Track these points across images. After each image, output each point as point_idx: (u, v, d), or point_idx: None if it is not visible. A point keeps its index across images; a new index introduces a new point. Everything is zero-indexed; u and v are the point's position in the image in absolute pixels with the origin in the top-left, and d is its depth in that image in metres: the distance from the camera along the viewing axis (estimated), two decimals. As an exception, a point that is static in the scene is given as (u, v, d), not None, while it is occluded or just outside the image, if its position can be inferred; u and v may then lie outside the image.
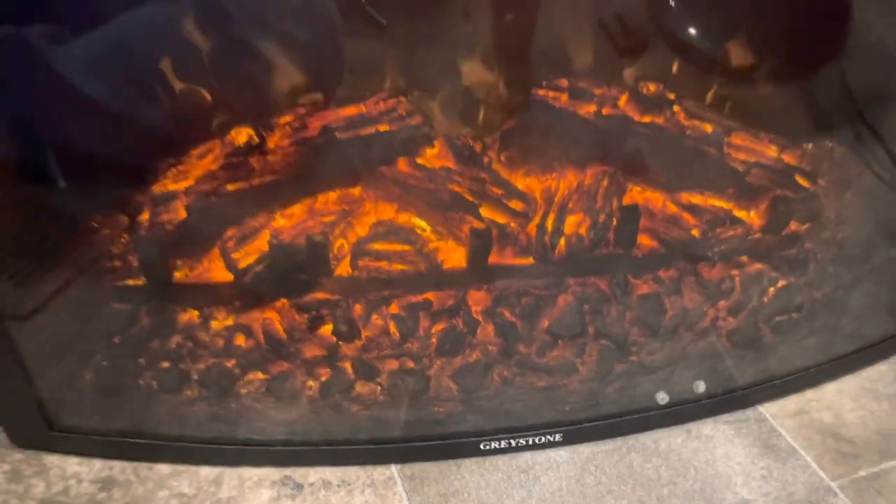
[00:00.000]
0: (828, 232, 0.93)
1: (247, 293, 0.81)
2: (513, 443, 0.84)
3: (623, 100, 0.84)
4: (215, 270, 0.80)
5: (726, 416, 0.91)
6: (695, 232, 0.87)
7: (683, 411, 0.90)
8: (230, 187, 0.78)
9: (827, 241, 0.93)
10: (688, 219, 0.87)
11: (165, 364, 0.81)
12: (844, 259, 0.94)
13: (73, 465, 0.81)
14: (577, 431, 0.87)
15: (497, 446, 0.84)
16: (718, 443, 0.88)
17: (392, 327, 0.82)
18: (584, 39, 0.83)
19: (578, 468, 0.84)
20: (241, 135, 0.78)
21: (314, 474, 0.82)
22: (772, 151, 0.88)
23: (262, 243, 0.79)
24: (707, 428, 0.90)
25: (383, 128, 0.80)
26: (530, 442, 0.85)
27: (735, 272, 0.90)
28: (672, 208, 0.88)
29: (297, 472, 0.82)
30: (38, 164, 0.72)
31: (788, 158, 0.89)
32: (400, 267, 0.82)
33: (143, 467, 0.81)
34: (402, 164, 0.82)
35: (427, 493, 0.80)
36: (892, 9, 0.83)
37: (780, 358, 0.93)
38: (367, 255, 0.81)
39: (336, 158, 0.81)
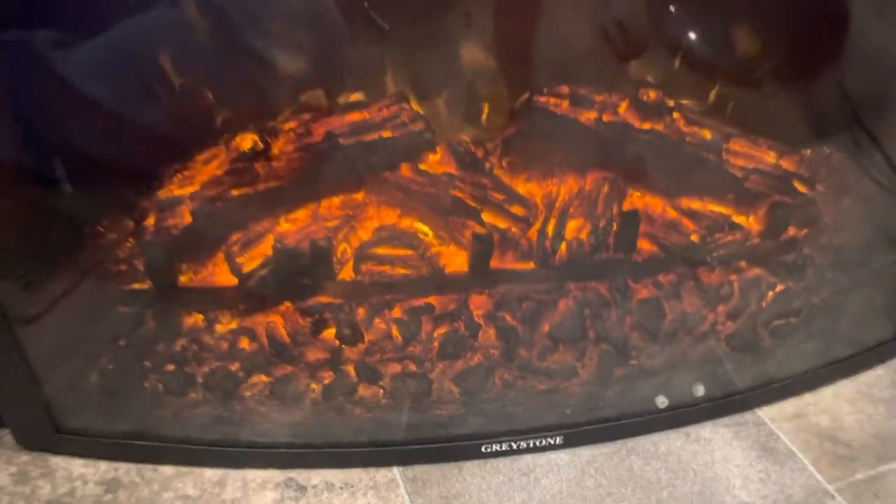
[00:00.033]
0: (826, 237, 0.93)
1: (251, 297, 0.81)
2: (514, 445, 0.85)
3: (623, 107, 0.85)
4: (220, 274, 0.81)
5: (725, 420, 0.92)
6: (694, 237, 0.88)
7: (683, 415, 0.91)
8: (235, 192, 0.79)
9: (825, 246, 0.93)
10: (687, 224, 0.88)
11: (170, 367, 0.82)
12: (842, 264, 0.95)
13: (78, 466, 0.82)
14: (578, 434, 0.87)
15: (498, 449, 0.85)
16: (717, 446, 0.88)
17: (394, 331, 0.83)
18: (585, 46, 0.84)
19: (579, 471, 0.85)
20: (246, 141, 0.79)
21: (317, 476, 0.82)
22: (770, 157, 0.88)
23: (266, 248, 0.80)
24: (706, 431, 0.90)
25: (386, 134, 0.81)
26: (531, 445, 0.86)
27: (734, 277, 0.90)
28: (672, 214, 0.88)
29: (300, 475, 0.82)
30: (46, 169, 0.73)
31: (787, 164, 0.89)
32: (402, 271, 0.83)
33: (148, 469, 0.82)
34: (405, 170, 0.83)
35: (429, 495, 0.81)
36: (890, 14, 0.84)
37: (778, 362, 0.94)
38: (369, 259, 0.82)
39: (339, 164, 0.81)
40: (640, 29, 0.83)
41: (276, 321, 0.82)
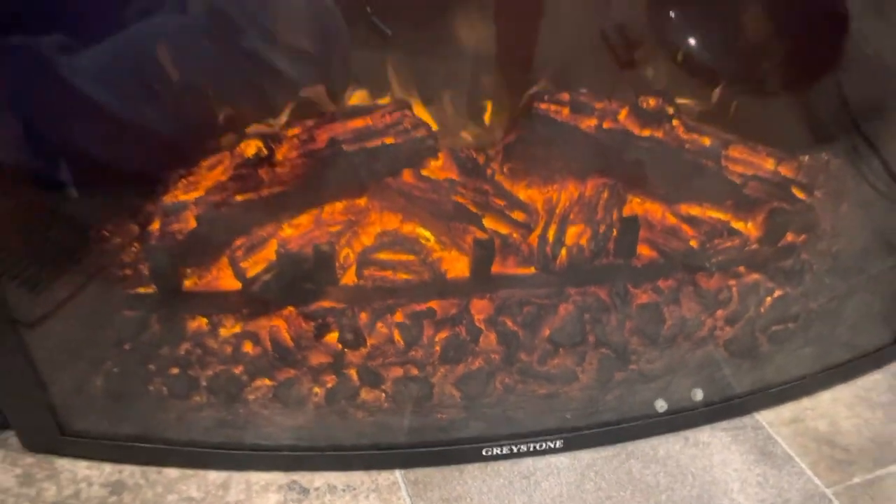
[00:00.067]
0: (824, 243, 0.94)
1: (255, 301, 0.82)
2: (514, 449, 0.86)
3: (623, 114, 0.85)
4: (224, 279, 0.82)
5: (724, 424, 0.92)
6: (693, 243, 0.89)
7: (682, 419, 0.91)
8: (239, 198, 0.79)
9: (822, 252, 0.94)
10: (686, 230, 0.89)
11: (175, 370, 0.82)
12: (840, 270, 0.95)
13: (83, 468, 0.82)
14: (578, 438, 0.88)
15: (499, 452, 0.86)
16: (716, 450, 0.89)
17: (396, 335, 0.84)
18: (585, 54, 0.85)
19: (579, 474, 0.86)
20: (251, 147, 0.80)
21: (320, 479, 0.83)
22: (769, 164, 0.89)
23: (270, 253, 0.80)
24: (705, 435, 0.91)
25: (389, 140, 0.82)
26: (531, 448, 0.86)
27: (732, 282, 0.91)
28: (671, 220, 0.89)
29: (303, 477, 0.83)
30: (53, 173, 0.74)
31: (785, 171, 0.90)
32: (404, 276, 0.83)
33: (152, 471, 0.83)
34: (407, 176, 0.84)
35: (430, 497, 0.82)
36: (888, 20, 0.85)
37: (776, 367, 0.95)
38: (372, 264, 0.83)
39: (342, 170, 0.82)
40: (640, 35, 0.83)
41: (280, 325, 0.83)
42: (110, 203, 0.78)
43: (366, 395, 0.85)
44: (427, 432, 0.87)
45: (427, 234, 0.85)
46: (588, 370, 0.89)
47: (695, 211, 0.89)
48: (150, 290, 0.80)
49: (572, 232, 0.85)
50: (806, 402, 0.96)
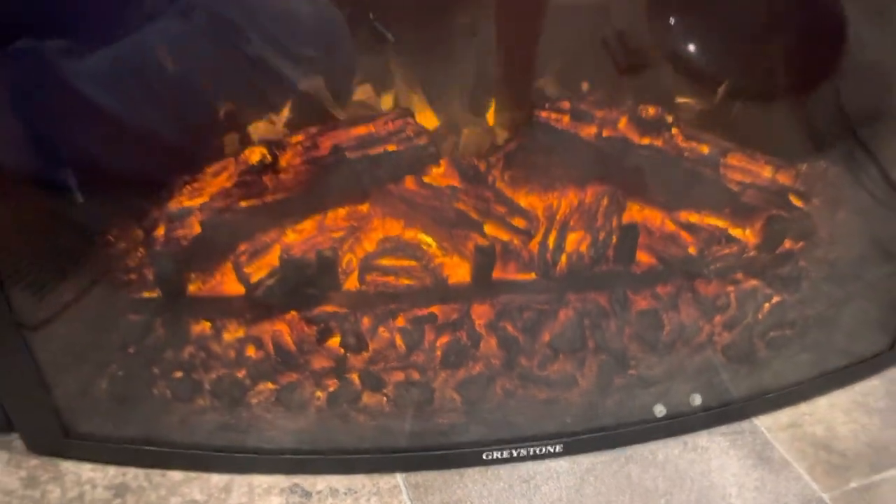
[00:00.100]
0: (821, 250, 0.95)
1: (258, 306, 0.82)
2: (514, 453, 0.86)
3: (623, 122, 0.86)
4: (228, 284, 0.82)
5: (722, 429, 0.93)
6: (692, 250, 0.89)
7: (680, 423, 0.92)
8: (243, 204, 0.80)
9: (820, 259, 0.95)
10: (685, 237, 0.90)
11: (178, 374, 0.83)
12: (837, 277, 0.96)
13: (87, 471, 0.83)
14: (577, 442, 0.88)
15: (499, 456, 0.86)
16: (714, 454, 0.90)
17: (398, 340, 0.84)
18: (585, 62, 0.86)
19: (578, 478, 0.86)
20: (255, 153, 0.81)
21: (322, 482, 0.84)
22: (767, 172, 0.90)
23: (273, 258, 0.81)
24: (703, 440, 0.91)
25: (391, 147, 0.82)
26: (531, 452, 0.87)
27: (731, 289, 0.92)
28: (670, 227, 0.90)
29: (305, 480, 0.83)
30: (59, 178, 0.74)
31: (783, 179, 0.91)
32: (406, 282, 0.84)
33: (155, 474, 0.83)
34: (410, 183, 0.84)
35: (431, 501, 0.82)
36: (886, 27, 0.85)
37: (773, 372, 0.95)
38: (374, 269, 0.84)
39: (345, 177, 0.83)
40: (640, 42, 0.84)
41: (283, 330, 0.84)
42: (116, 208, 0.79)
43: (367, 399, 0.86)
44: (428, 436, 0.87)
45: (429, 240, 0.85)
46: (588, 375, 0.90)
47: (693, 218, 0.90)
48: (154, 294, 0.81)
49: (572, 238, 0.86)
50: (803, 408, 0.97)
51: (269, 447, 0.85)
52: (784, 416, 0.95)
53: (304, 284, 0.82)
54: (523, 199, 0.87)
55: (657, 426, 0.91)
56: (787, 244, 0.92)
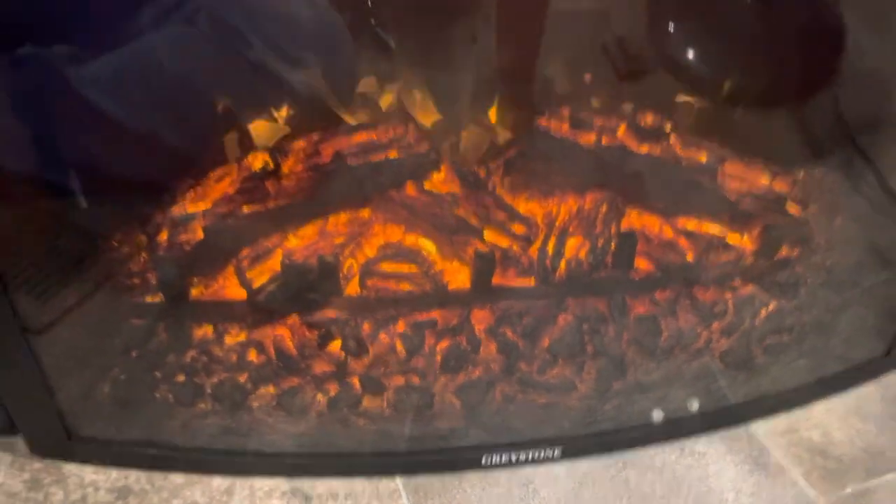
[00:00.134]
0: (818, 257, 0.95)
1: (260, 310, 0.83)
2: (513, 457, 0.86)
3: (622, 130, 0.87)
4: (230, 288, 0.83)
5: (719, 434, 0.93)
6: (690, 256, 0.90)
7: (678, 428, 0.92)
8: (246, 210, 0.81)
9: (817, 265, 0.95)
10: (683, 244, 0.90)
11: (181, 378, 0.84)
12: (834, 283, 0.96)
13: (90, 473, 0.84)
14: (576, 447, 0.89)
15: (498, 461, 0.87)
16: (711, 459, 0.90)
17: (398, 345, 0.85)
18: (585, 70, 0.87)
19: (576, 482, 0.87)
20: (258, 160, 0.81)
21: (322, 486, 0.84)
22: (764, 180, 0.91)
23: (275, 263, 0.82)
24: (700, 445, 0.92)
25: (393, 154, 0.84)
26: (530, 457, 0.87)
27: (728, 295, 0.92)
28: (668, 233, 0.90)
29: (305, 484, 0.84)
30: (63, 183, 0.75)
31: (780, 186, 0.92)
32: (407, 287, 0.85)
33: (157, 477, 0.84)
34: (410, 189, 0.85)
35: (430, 505, 0.83)
36: (883, 34, 0.86)
37: (770, 378, 0.96)
38: (375, 275, 0.84)
39: (347, 183, 0.84)
40: (639, 50, 0.85)
41: (284, 334, 0.84)
42: (119, 213, 0.80)
43: (368, 403, 0.86)
44: (427, 440, 0.88)
45: (429, 245, 0.86)
46: (586, 380, 0.90)
47: (691, 225, 0.91)
48: (157, 298, 0.81)
49: (571, 245, 0.86)
50: (799, 413, 0.97)
51: (270, 450, 0.85)
52: (781, 421, 0.96)
53: (306, 289, 0.83)
54: (523, 206, 0.88)
55: (655, 431, 0.91)
56: (785, 251, 0.93)
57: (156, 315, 0.82)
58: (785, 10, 0.84)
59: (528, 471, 0.87)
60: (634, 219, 0.90)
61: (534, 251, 0.86)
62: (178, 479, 0.84)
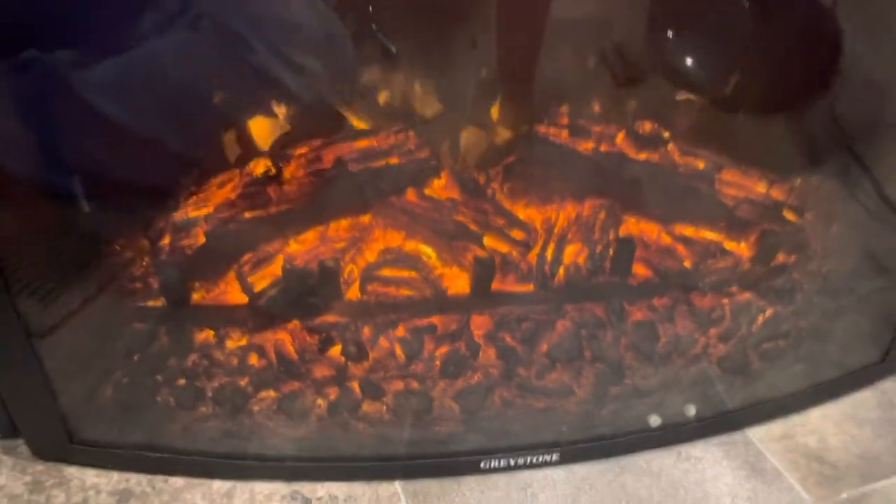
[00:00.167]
0: (814, 263, 0.96)
1: (261, 315, 0.84)
2: (511, 462, 0.87)
3: (620, 137, 0.88)
4: (231, 293, 0.84)
5: (715, 439, 0.94)
6: (687, 263, 0.91)
7: (675, 433, 0.93)
8: (248, 215, 0.82)
9: (813, 272, 0.96)
10: (681, 250, 0.91)
11: (182, 381, 0.84)
12: (830, 290, 0.97)
13: (91, 476, 0.84)
14: (574, 451, 0.89)
15: (496, 465, 0.87)
16: (707, 464, 0.91)
17: (398, 349, 0.86)
18: (584, 80, 0.88)
19: (574, 487, 0.87)
20: (259, 165, 0.82)
21: (322, 489, 0.85)
22: (761, 187, 0.92)
23: (276, 268, 0.83)
24: (697, 450, 0.93)
25: (393, 160, 0.84)
26: (528, 461, 0.88)
27: (725, 301, 0.93)
28: (666, 240, 0.91)
29: (305, 487, 0.85)
30: (67, 187, 0.75)
31: (776, 194, 0.92)
32: (407, 292, 0.85)
33: (158, 480, 0.84)
34: (411, 195, 0.86)
35: (429, 508, 0.84)
36: (879, 42, 0.87)
37: (767, 384, 0.96)
38: (375, 280, 0.85)
39: (348, 189, 0.84)
40: (637, 57, 0.86)
41: (285, 338, 0.85)
42: (122, 218, 0.80)
43: (367, 407, 0.87)
44: (427, 445, 0.88)
45: (429, 251, 0.87)
46: (584, 385, 0.91)
47: (689, 231, 0.92)
48: (159, 302, 0.82)
49: (570, 251, 0.87)
50: (796, 419, 0.98)
51: (271, 454, 0.86)
52: (777, 427, 0.96)
53: (307, 294, 0.83)
54: (522, 212, 0.88)
55: (652, 436, 0.92)
56: (781, 257, 0.94)
57: (158, 319, 0.83)
58: (782, 18, 0.85)
59: (526, 475, 0.88)
60: (632, 225, 0.91)
61: (533, 257, 0.87)
62: (178, 482, 0.84)
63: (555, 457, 0.89)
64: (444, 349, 0.87)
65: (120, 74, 0.72)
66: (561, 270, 0.87)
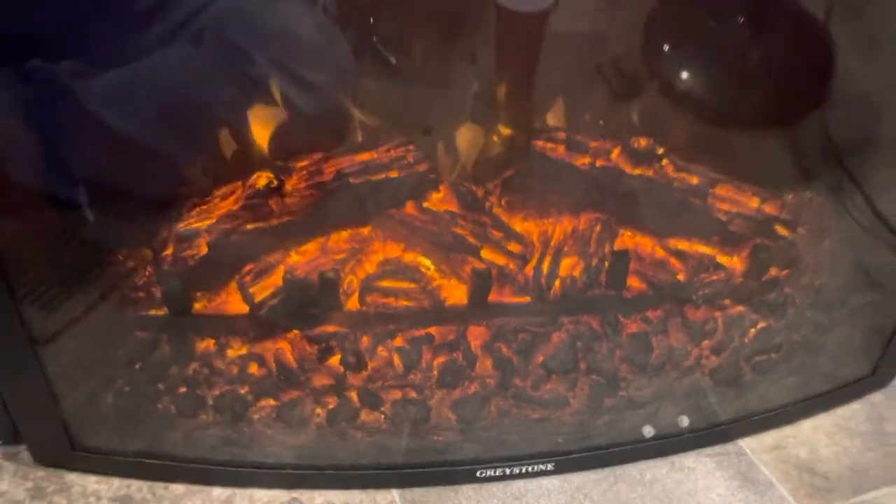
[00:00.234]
0: (806, 277, 0.97)
1: (261, 324, 0.84)
2: (507, 471, 0.88)
3: (616, 153, 0.89)
4: (232, 303, 0.84)
5: (708, 450, 0.95)
6: (681, 276, 0.92)
7: (668, 444, 0.94)
8: (249, 226, 0.83)
9: (805, 286, 0.97)
10: (675, 263, 0.92)
11: (183, 389, 0.85)
12: (821, 303, 0.98)
13: (92, 483, 0.85)
14: (569, 461, 0.90)
15: (492, 474, 0.88)
16: (700, 475, 0.92)
17: (396, 359, 0.86)
18: (581, 95, 0.89)
19: (569, 496, 0.88)
20: (262, 178, 0.83)
21: (320, 497, 0.85)
22: (754, 202, 0.93)
23: (277, 278, 0.83)
24: (690, 460, 0.94)
25: (393, 174, 0.85)
26: (524, 470, 0.89)
27: (718, 314, 0.94)
28: (660, 253, 0.92)
29: (303, 495, 0.85)
30: (70, 197, 0.76)
31: (769, 209, 0.93)
32: (405, 303, 0.86)
33: (158, 486, 0.85)
34: (410, 208, 0.87)
35: (426, 517, 0.85)
36: (871, 58, 0.87)
37: (759, 395, 0.97)
38: (374, 291, 0.86)
39: (348, 201, 0.86)
40: (633, 72, 0.87)
41: (285, 348, 0.86)
42: (126, 228, 0.81)
43: (365, 416, 0.88)
44: (424, 454, 0.89)
45: (427, 263, 0.88)
46: (579, 396, 0.92)
47: (683, 245, 0.93)
48: (161, 311, 0.83)
49: (566, 263, 0.88)
50: (787, 430, 0.99)
51: (270, 462, 0.86)
52: (769, 438, 0.97)
53: (307, 304, 0.84)
54: (519, 225, 0.89)
55: (646, 446, 0.93)
56: (773, 272, 0.95)
57: (159, 328, 0.84)
58: (775, 34, 0.86)
59: (521, 484, 0.89)
60: (627, 239, 0.92)
61: (529, 269, 0.87)
62: (179, 489, 0.85)
63: (550, 466, 0.89)
64: (441, 359, 0.87)
65: (123, 85, 0.73)
66: (557, 283, 0.87)
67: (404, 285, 0.87)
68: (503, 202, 0.89)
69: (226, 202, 0.83)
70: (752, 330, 0.96)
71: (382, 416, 0.88)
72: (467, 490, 0.87)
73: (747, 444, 0.96)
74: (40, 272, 0.78)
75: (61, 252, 0.80)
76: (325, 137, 0.86)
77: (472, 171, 0.89)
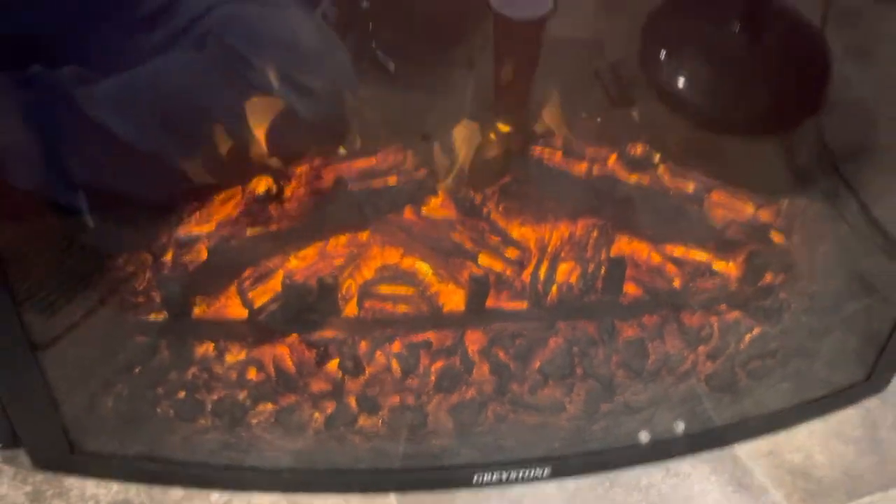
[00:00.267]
0: (801, 283, 0.97)
1: (260, 329, 0.85)
2: (504, 476, 0.88)
3: (612, 159, 0.90)
4: (232, 308, 0.85)
5: (703, 455, 0.95)
6: (677, 282, 0.92)
7: (664, 449, 0.94)
8: (249, 232, 0.84)
9: (800, 292, 0.97)
10: (671, 269, 0.93)
11: (182, 394, 0.85)
12: (816, 309, 0.98)
13: (91, 487, 0.85)
14: (565, 466, 0.90)
15: (489, 479, 0.88)
16: (695, 480, 0.92)
17: (394, 365, 0.87)
18: (578, 102, 0.90)
19: (565, 501, 0.89)
20: (261, 184, 0.84)
21: (318, 501, 0.86)
22: (749, 209, 0.94)
23: (276, 283, 0.84)
24: (685, 466, 0.94)
25: (392, 180, 0.86)
26: (520, 475, 0.89)
27: (714, 320, 0.94)
28: (656, 259, 0.93)
29: (302, 499, 0.85)
30: (71, 202, 0.76)
31: (765, 216, 0.94)
32: (403, 308, 0.87)
33: (157, 490, 0.85)
34: (408, 213, 0.88)
35: (423, 521, 0.85)
36: (869, 65, 0.88)
37: (754, 401, 0.97)
38: (373, 296, 0.86)
39: (347, 207, 0.86)
40: (631, 78, 0.87)
41: (283, 353, 0.86)
42: (126, 233, 0.82)
43: (363, 421, 0.88)
44: (421, 458, 0.89)
45: (425, 268, 0.88)
46: (576, 401, 0.92)
47: (679, 251, 0.93)
48: (160, 316, 0.83)
49: (563, 269, 0.89)
50: (782, 436, 0.99)
51: (268, 466, 0.86)
52: (763, 443, 0.98)
53: (305, 309, 0.84)
54: (516, 231, 0.90)
55: (641, 452, 0.93)
56: (769, 277, 0.95)
57: (159, 332, 0.84)
58: (771, 41, 0.87)
59: (517, 489, 0.89)
60: (624, 245, 0.92)
61: (526, 275, 0.88)
62: (177, 493, 0.85)
63: (546, 471, 0.90)
64: (439, 364, 0.88)
65: (124, 90, 0.73)
66: (554, 289, 0.88)
67: (402, 291, 0.87)
68: (500, 208, 0.90)
69: (225, 207, 0.84)
70: (748, 336, 0.96)
71: (380, 421, 0.88)
72: (464, 494, 0.88)
73: (742, 449, 0.97)
74: (40, 277, 0.78)
75: (62, 257, 0.80)
76: (325, 143, 0.86)
77: (470, 178, 0.89)
